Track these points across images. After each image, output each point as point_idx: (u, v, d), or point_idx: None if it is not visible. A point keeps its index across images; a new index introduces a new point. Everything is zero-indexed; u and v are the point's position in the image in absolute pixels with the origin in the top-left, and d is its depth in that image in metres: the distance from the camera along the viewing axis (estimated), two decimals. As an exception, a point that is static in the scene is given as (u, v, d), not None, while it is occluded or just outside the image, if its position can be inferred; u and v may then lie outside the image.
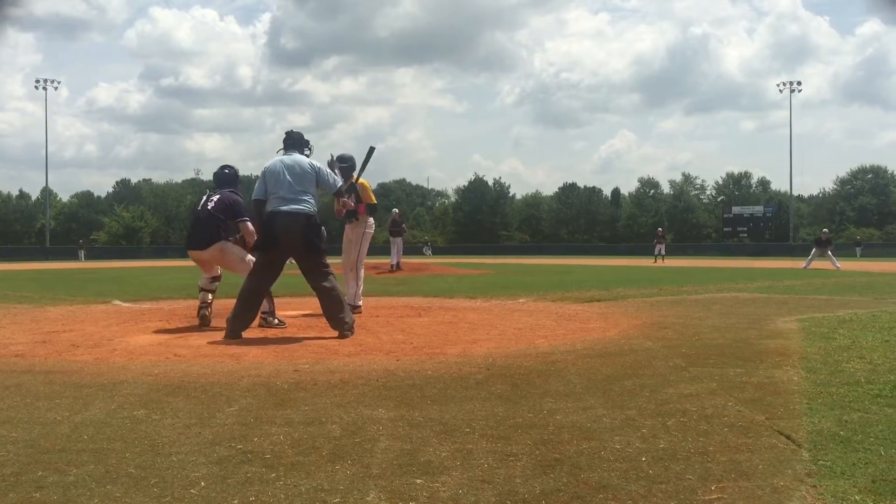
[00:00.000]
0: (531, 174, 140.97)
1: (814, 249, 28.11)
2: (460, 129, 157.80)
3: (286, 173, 6.81)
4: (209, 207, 7.57)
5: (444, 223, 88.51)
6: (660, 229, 45.92)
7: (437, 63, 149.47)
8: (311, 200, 6.86)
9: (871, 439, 3.15)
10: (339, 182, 7.35)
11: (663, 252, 40.15)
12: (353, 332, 6.68)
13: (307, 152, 7.18)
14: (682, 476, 2.70)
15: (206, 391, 4.23)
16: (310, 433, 3.29)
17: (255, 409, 3.78)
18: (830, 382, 4.40)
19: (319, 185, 7.00)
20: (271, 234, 6.73)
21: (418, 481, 2.65)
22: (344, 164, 8.59)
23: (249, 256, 7.49)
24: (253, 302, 6.78)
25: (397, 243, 22.56)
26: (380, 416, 3.60)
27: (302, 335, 6.85)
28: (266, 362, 5.30)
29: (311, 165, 6.95)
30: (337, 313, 6.69)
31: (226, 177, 7.98)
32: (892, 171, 78.43)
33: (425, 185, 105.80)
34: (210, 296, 7.67)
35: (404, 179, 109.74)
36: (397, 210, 26.89)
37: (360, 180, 8.72)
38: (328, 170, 7.23)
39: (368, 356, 5.55)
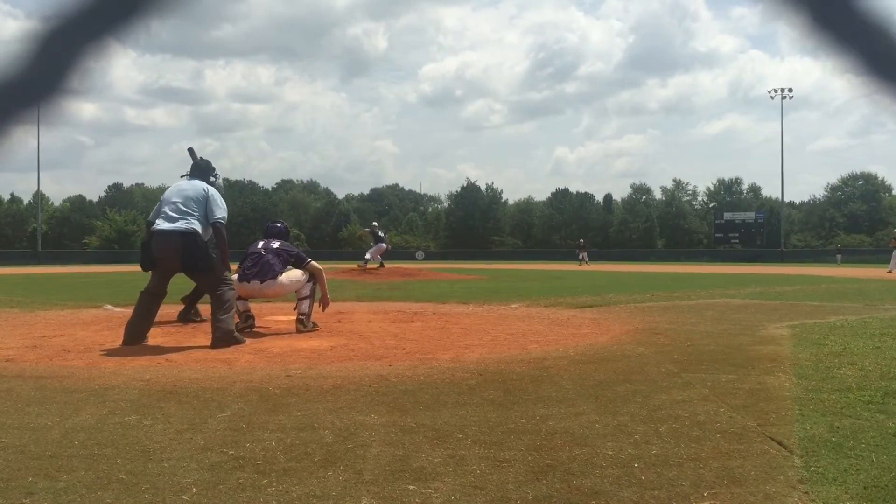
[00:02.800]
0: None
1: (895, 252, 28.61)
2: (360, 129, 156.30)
3: (177, 194, 6.75)
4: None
5: (437, 228, 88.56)
6: (581, 240, 50.47)
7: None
8: (195, 220, 6.63)
9: (863, 445, 3.16)
10: (223, 215, 6.83)
11: (586, 259, 44.02)
12: (226, 343, 6.34)
13: (213, 179, 7.15)
14: (675, 482, 2.71)
15: (198, 396, 4.21)
16: (302, 439, 3.28)
17: (248, 414, 3.77)
18: (822, 389, 4.41)
19: (207, 208, 6.74)
20: (149, 253, 6.68)
21: (411, 487, 2.65)
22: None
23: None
24: (148, 315, 6.67)
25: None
26: (372, 422, 3.59)
27: (296, 341, 6.84)
28: (258, 368, 5.28)
29: (206, 188, 6.81)
30: (217, 317, 6.47)
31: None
32: (883, 178, 78.96)
33: (417, 190, 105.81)
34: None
35: (397, 185, 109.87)
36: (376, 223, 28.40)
37: None
38: (220, 199, 6.89)
39: (361, 361, 5.54)
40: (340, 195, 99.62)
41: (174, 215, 6.58)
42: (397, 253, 63.02)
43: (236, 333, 6.57)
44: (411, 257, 60.90)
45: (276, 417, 3.70)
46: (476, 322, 8.49)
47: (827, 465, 2.89)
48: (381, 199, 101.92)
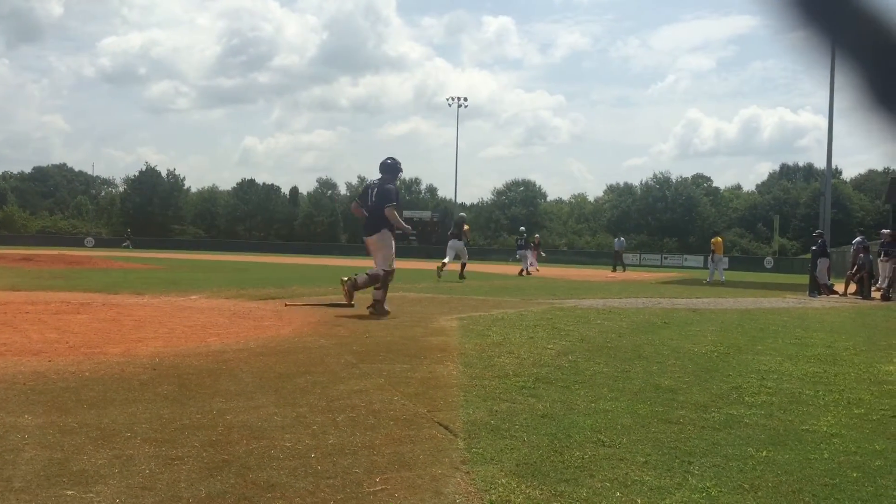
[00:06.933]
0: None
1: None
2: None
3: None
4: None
5: (111, 214, 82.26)
6: (537, 235, 45.52)
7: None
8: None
9: (517, 427, 3.50)
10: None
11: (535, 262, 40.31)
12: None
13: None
14: (350, 470, 2.79)
15: None
16: (-64, 446, 2.87)
17: None
18: (484, 376, 4.81)
19: None
20: None
21: (69, 492, 2.44)
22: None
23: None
24: None
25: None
26: (26, 424, 3.25)
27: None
28: None
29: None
30: None
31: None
32: (540, 186, 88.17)
33: (89, 172, 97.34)
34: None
35: (65, 164, 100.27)
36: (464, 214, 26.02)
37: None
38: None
39: (14, 357, 4.98)
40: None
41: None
42: (63, 239, 57.64)
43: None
44: (79, 244, 56.19)
45: None
46: (151, 314, 8.03)
47: (486, 446, 3.16)
48: (47, 179, 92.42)
